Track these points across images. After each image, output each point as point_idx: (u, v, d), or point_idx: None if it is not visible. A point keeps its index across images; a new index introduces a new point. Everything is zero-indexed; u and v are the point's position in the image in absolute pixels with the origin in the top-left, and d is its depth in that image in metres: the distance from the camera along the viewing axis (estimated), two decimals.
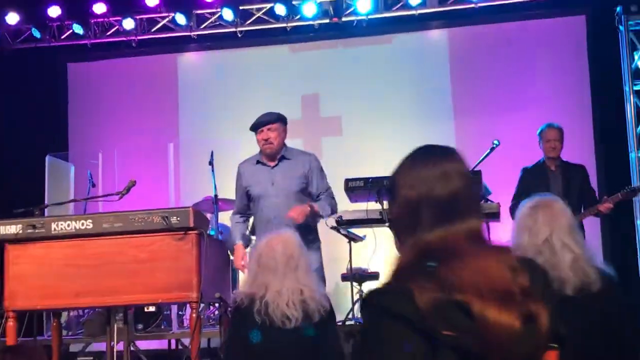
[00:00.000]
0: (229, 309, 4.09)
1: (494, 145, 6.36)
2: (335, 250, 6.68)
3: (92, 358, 6.72)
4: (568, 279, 2.71)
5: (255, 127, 5.25)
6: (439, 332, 1.49)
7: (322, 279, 5.04)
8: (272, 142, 5.16)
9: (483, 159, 6.30)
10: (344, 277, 6.91)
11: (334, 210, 5.34)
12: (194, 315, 4.66)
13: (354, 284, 6.72)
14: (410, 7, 8.62)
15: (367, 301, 1.62)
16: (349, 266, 6.60)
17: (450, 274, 1.53)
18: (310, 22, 8.76)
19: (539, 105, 8.19)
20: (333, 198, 5.32)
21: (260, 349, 3.37)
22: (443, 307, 1.50)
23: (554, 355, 1.71)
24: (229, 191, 7.44)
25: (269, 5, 8.75)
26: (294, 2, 8.65)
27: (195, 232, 4.97)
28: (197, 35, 9.07)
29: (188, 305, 5.57)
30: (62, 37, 9.11)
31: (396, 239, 1.72)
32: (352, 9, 8.68)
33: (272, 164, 5.25)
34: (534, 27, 8.60)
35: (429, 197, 1.65)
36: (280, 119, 5.25)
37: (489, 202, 6.31)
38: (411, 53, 8.88)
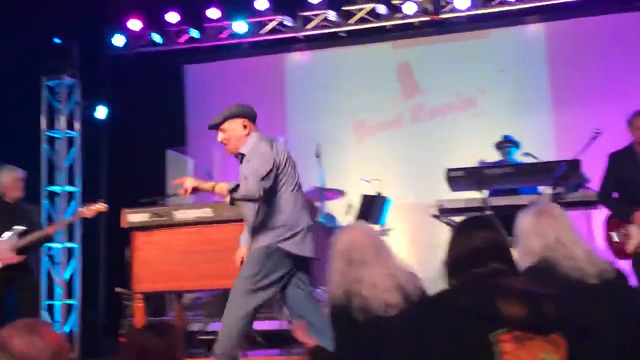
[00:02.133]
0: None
1: (596, 134, 6.25)
2: (435, 238, 6.99)
3: (213, 337, 7.17)
4: (587, 268, 2.90)
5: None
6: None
7: None
8: (226, 143, 4.84)
9: (584, 148, 6.24)
10: None
11: (249, 189, 4.55)
12: None
13: None
14: (508, 3, 8.84)
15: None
16: None
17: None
18: (411, 20, 9.11)
19: (637, 96, 8.26)
20: (245, 182, 4.60)
21: (366, 343, 3.22)
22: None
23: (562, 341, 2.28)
24: (335, 182, 7.91)
25: (371, 6, 9.14)
26: (394, 2, 9.02)
27: None
28: (304, 35, 9.56)
29: None
30: (180, 40, 9.76)
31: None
32: (450, 6, 8.97)
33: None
34: (630, 20, 8.67)
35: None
36: (228, 117, 4.83)
37: (587, 190, 6.41)
38: (508, 47, 9.12)
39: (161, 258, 5.84)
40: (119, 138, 9.55)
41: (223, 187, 4.66)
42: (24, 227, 6.60)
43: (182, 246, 5.80)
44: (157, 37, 9.72)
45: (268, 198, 4.66)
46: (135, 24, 9.62)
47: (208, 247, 5.68)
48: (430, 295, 2.67)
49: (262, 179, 4.56)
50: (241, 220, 5.05)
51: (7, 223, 6.65)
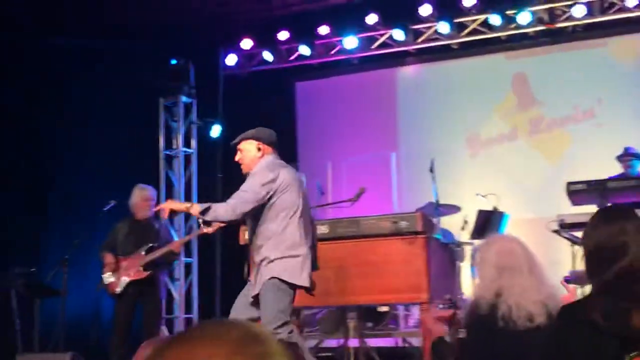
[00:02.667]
0: (458, 312, 4.02)
1: None
2: (556, 253, 6.79)
3: (328, 354, 7.19)
4: None
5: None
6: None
7: None
8: (241, 163, 5.11)
9: None
10: (567, 280, 6.98)
11: (217, 212, 4.87)
12: (424, 315, 4.98)
13: (577, 286, 6.78)
14: (626, 9, 8.53)
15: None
16: (571, 269, 6.68)
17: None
18: (525, 30, 8.90)
19: None
20: (233, 199, 4.91)
21: (504, 354, 3.26)
22: None
23: None
24: (449, 197, 7.79)
25: (483, 17, 8.98)
26: (508, 12, 8.83)
27: (424, 236, 5.33)
28: (415, 49, 9.48)
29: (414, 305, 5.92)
30: (291, 58, 9.87)
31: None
32: (566, 15, 8.72)
33: None
34: None
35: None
36: (244, 139, 5.12)
37: None
38: (627, 55, 8.78)
39: None
40: (233, 155, 9.69)
41: (196, 208, 4.92)
42: (151, 244, 6.87)
43: None
44: (268, 56, 9.84)
45: (263, 222, 4.90)
46: (247, 43, 9.79)
47: (324, 264, 5.69)
48: (569, 307, 2.57)
49: (247, 202, 4.83)
50: (358, 237, 5.05)
51: (137, 240, 6.97)
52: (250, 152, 5.08)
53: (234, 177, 9.43)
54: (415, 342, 6.77)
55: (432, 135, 9.29)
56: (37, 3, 8.94)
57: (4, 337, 7.83)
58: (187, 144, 9.46)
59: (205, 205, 4.88)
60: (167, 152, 9.36)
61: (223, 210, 4.85)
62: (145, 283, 6.93)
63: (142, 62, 9.01)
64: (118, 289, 6.92)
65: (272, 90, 9.98)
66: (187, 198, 9.26)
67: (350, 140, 9.58)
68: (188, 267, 9.12)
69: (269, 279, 4.79)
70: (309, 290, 4.96)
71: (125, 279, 6.91)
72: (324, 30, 9.45)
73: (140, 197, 7.16)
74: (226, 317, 9.04)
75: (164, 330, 8.65)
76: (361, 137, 9.55)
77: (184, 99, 9.36)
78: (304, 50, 9.65)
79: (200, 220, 6.96)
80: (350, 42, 9.42)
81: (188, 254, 9.10)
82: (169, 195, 9.25)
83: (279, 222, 4.88)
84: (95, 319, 8.79)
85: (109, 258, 6.96)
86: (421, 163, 7.68)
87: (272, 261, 4.81)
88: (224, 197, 9.54)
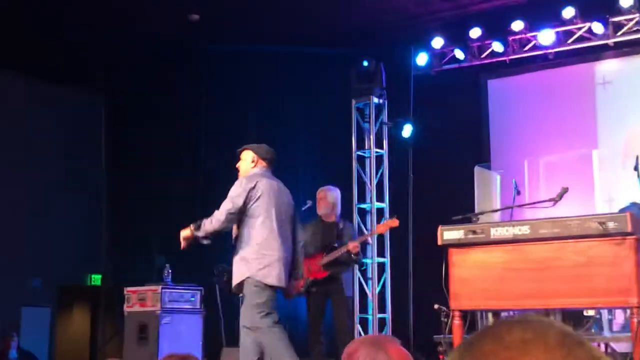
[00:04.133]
0: None
1: None
2: None
3: None
4: None
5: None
6: None
7: None
8: (238, 169, 5.91)
9: None
10: None
11: (205, 226, 5.66)
12: (634, 320, 4.73)
13: None
14: None
15: None
16: None
17: None
18: None
19: None
20: (218, 209, 5.68)
21: None
22: None
23: None
24: None
25: None
26: None
27: (634, 237, 5.05)
28: (615, 42, 9.04)
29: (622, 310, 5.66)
30: (482, 56, 9.71)
31: None
32: None
33: None
34: None
35: None
36: (245, 149, 5.92)
37: None
38: None
39: (478, 276, 5.78)
40: (424, 155, 9.70)
41: (192, 228, 5.68)
42: (332, 244, 7.06)
43: (500, 264, 5.69)
44: (459, 54, 9.74)
45: (241, 226, 5.68)
46: (438, 42, 9.73)
47: (526, 265, 5.55)
48: None
49: (225, 210, 5.61)
50: (563, 238, 4.89)
51: (321, 241, 7.20)
52: (246, 161, 5.87)
53: (425, 178, 9.51)
54: (619, 347, 6.50)
55: (635, 131, 8.81)
56: (221, 10, 9.36)
57: (212, 332, 8.25)
58: (378, 144, 9.54)
59: (199, 222, 5.66)
60: (359, 153, 9.49)
61: (208, 222, 5.65)
62: (329, 282, 7.16)
63: (335, 66, 9.20)
64: (302, 289, 7.24)
65: (463, 88, 9.88)
66: (379, 199, 9.35)
67: (546, 138, 9.28)
68: (381, 266, 9.20)
69: (247, 277, 5.52)
70: (285, 290, 5.72)
71: (307, 279, 7.23)
72: (517, 25, 9.22)
73: (322, 197, 7.41)
74: (415, 319, 9.07)
75: (358, 329, 8.80)
76: (558, 135, 9.22)
77: (375, 100, 9.45)
78: (497, 47, 9.45)
79: (393, 220, 7.19)
80: (546, 36, 9.13)
81: (381, 253, 9.18)
82: (361, 196, 9.39)
83: (253, 226, 5.60)
84: (292, 315, 9.11)
85: None
86: (624, 161, 7.31)
87: (248, 261, 5.54)
88: (414, 197, 9.68)
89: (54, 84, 11.24)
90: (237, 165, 5.95)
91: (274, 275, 5.52)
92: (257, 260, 5.53)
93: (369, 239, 8.55)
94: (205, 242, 5.95)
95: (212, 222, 5.63)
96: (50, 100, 11.47)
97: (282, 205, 5.75)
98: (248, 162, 5.89)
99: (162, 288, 8.07)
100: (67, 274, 11.58)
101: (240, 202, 5.59)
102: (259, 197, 5.64)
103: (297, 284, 7.20)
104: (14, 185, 10.91)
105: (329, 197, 7.52)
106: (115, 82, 10.90)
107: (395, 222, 7.26)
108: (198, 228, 5.66)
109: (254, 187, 5.65)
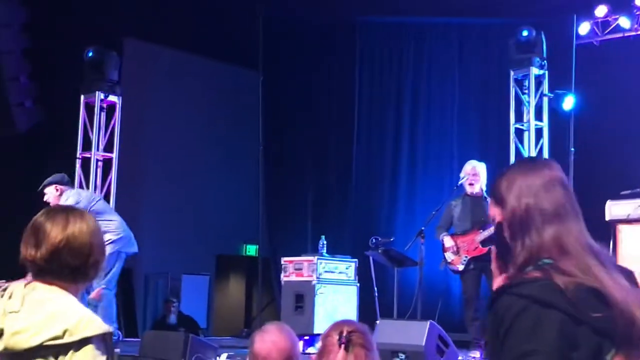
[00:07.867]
0: None
1: None
2: None
3: None
4: None
5: None
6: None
7: None
8: None
9: None
10: None
11: None
12: None
13: None
14: None
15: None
16: None
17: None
18: None
19: None
20: None
21: None
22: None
23: None
24: None
25: None
26: None
27: None
28: None
29: None
30: None
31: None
32: None
33: None
34: None
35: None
36: None
37: None
38: None
39: None
40: (586, 128, 9.32)
41: None
42: (484, 219, 6.96)
43: None
44: (624, 22, 9.25)
45: None
46: (601, 10, 9.28)
47: None
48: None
49: None
50: None
51: (472, 216, 7.13)
52: None
53: (587, 151, 9.13)
54: None
55: None
56: None
57: (366, 304, 8.31)
58: (538, 117, 9.23)
59: None
60: (518, 126, 9.21)
61: None
62: (486, 258, 7.00)
63: (493, 36, 8.97)
64: (460, 267, 7.17)
65: (628, 59, 9.38)
66: None
67: None
68: None
69: None
70: None
71: (465, 257, 7.12)
72: None
73: (466, 171, 7.31)
74: None
75: None
76: None
77: (535, 71, 9.13)
78: None
79: None
80: None
81: None
82: None
83: None
84: (444, 291, 9.04)
85: (447, 242, 7.24)
86: None
87: None
88: (575, 172, 9.34)
89: (217, 61, 11.80)
90: None
91: None
92: None
93: None
94: None
95: None
96: (212, 79, 11.99)
97: None
98: None
99: (318, 258, 8.22)
100: (224, 244, 12.08)
101: None
102: None
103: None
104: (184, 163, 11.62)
105: (483, 172, 7.39)
106: (272, 60, 11.15)
107: None
108: None
109: None
